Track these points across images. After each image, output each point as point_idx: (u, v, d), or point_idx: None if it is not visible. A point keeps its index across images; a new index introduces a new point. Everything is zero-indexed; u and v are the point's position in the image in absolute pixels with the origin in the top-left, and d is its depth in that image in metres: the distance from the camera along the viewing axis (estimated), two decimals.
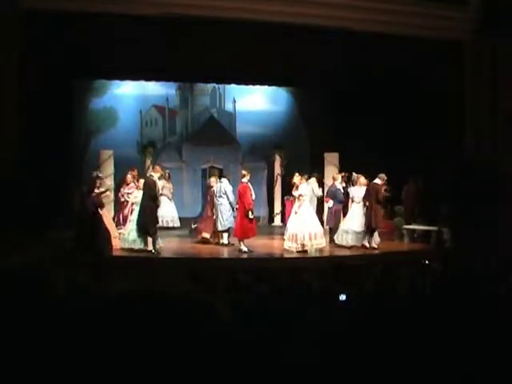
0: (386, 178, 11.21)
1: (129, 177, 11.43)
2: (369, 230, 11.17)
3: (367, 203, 11.22)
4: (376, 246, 11.14)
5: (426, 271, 6.32)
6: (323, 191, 12.69)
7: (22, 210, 9.40)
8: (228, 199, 11.16)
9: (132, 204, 10.91)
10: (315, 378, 2.52)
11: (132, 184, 11.27)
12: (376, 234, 11.38)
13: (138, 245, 10.36)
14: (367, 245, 11.10)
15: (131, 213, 10.79)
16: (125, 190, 11.33)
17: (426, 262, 7.15)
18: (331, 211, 11.88)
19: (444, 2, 10.68)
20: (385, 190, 11.92)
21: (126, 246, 10.42)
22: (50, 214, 11.07)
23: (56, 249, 9.61)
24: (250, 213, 10.40)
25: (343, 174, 12.62)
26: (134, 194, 10.89)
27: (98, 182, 10.32)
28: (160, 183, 11.37)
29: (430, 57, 11.03)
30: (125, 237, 10.54)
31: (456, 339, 2.89)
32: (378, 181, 11.18)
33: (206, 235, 11.59)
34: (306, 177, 11.38)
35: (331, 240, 11.67)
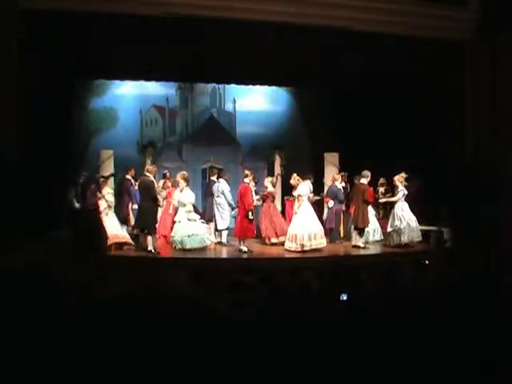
0: (369, 175, 11.33)
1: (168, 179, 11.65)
2: (356, 230, 11.28)
3: (353, 203, 11.38)
4: (362, 245, 11.15)
5: (426, 271, 6.32)
6: (323, 191, 12.68)
7: (21, 209, 9.39)
8: (226, 199, 11.21)
9: (175, 206, 11.10)
10: (315, 379, 2.52)
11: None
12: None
13: (185, 244, 10.53)
14: (361, 244, 11.13)
15: (175, 214, 11.00)
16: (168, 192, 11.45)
17: (426, 261, 7.15)
18: (332, 211, 11.89)
19: (444, 2, 10.67)
20: (383, 190, 11.91)
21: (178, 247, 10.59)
22: (50, 214, 11.06)
23: (56, 249, 9.60)
24: (249, 213, 10.42)
25: (343, 173, 12.63)
26: (175, 196, 11.13)
27: (102, 181, 10.45)
28: None
29: (430, 57, 11.02)
30: (174, 239, 10.66)
31: (456, 339, 2.89)
32: (363, 180, 11.32)
33: (275, 240, 11.53)
34: (305, 175, 11.38)
35: (331, 240, 11.67)
